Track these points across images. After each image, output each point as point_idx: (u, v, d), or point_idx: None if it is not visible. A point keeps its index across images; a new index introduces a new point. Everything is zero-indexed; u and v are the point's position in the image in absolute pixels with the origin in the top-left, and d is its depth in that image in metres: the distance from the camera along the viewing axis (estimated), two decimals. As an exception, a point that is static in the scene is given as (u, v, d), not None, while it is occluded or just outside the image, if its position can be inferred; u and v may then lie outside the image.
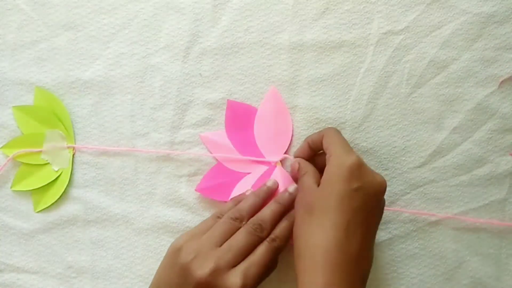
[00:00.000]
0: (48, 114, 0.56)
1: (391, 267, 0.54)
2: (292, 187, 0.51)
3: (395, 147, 0.54)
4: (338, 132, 0.49)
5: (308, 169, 0.49)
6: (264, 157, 0.54)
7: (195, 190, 0.54)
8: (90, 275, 0.55)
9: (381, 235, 0.54)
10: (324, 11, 0.55)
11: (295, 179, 0.52)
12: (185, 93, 0.55)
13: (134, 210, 0.55)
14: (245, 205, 0.49)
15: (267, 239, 0.47)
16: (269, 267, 0.47)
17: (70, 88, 0.56)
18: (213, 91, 0.55)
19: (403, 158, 0.54)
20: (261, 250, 0.46)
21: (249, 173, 0.54)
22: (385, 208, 0.48)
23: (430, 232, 0.54)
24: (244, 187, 0.54)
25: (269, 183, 0.52)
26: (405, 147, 0.54)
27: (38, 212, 0.56)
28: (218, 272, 0.44)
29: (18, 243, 0.56)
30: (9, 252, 0.56)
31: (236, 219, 0.48)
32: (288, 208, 0.50)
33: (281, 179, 0.53)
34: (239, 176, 0.54)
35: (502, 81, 0.54)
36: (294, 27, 0.55)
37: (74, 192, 0.56)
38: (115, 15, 0.56)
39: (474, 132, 0.54)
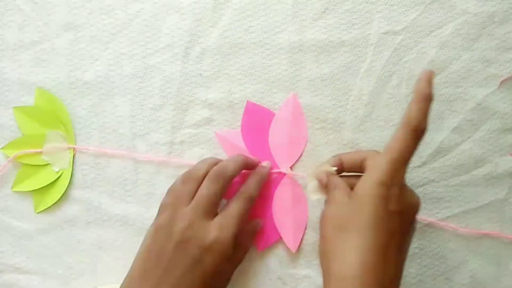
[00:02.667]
0: (49, 115, 0.56)
1: (391, 267, 0.54)
2: (266, 162, 0.52)
3: (395, 147, 0.54)
4: (414, 139, 0.42)
5: (339, 183, 0.46)
6: (275, 162, 0.54)
7: None
8: (90, 276, 0.55)
9: (381, 235, 0.54)
10: (324, 11, 0.55)
11: (296, 193, 0.54)
12: (185, 93, 0.55)
13: (135, 211, 0.55)
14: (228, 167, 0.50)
15: (237, 193, 0.50)
16: (244, 219, 0.49)
17: (70, 89, 0.56)
18: (213, 91, 0.55)
19: (403, 158, 0.54)
20: (233, 203, 0.49)
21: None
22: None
23: (429, 232, 0.54)
24: None
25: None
26: (405, 147, 0.54)
27: (38, 212, 0.56)
28: (196, 223, 0.46)
29: (18, 243, 0.56)
30: (10, 252, 0.56)
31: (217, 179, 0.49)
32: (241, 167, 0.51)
33: (290, 187, 0.53)
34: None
35: (502, 81, 0.54)
36: (294, 27, 0.55)
37: (75, 193, 0.56)
38: (115, 15, 0.56)
39: (474, 132, 0.54)
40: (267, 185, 0.54)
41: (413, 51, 0.54)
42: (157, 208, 0.53)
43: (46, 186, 0.55)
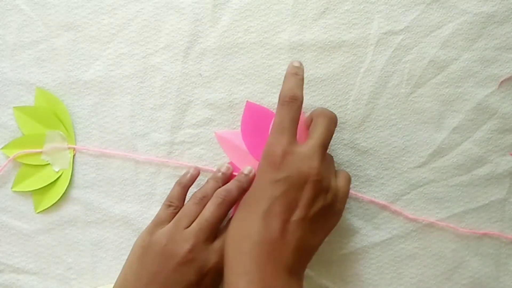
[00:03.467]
0: (49, 115, 0.56)
1: (390, 267, 0.54)
2: (247, 169, 0.51)
3: (395, 147, 0.54)
4: (290, 110, 0.47)
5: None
6: None
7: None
8: (90, 276, 0.55)
9: (381, 235, 0.54)
10: (324, 11, 0.55)
11: None
12: (185, 93, 0.55)
13: (134, 210, 0.55)
14: (208, 187, 0.51)
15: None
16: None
17: (70, 89, 0.56)
18: (213, 91, 0.55)
19: (403, 158, 0.54)
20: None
21: None
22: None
23: (429, 232, 0.54)
24: None
25: (223, 168, 0.52)
26: (405, 147, 0.54)
27: (38, 212, 0.56)
28: (198, 246, 0.47)
29: (18, 243, 0.56)
30: (9, 252, 0.56)
31: (201, 199, 0.50)
32: (246, 188, 0.50)
33: None
34: None
35: (502, 81, 0.54)
36: (294, 27, 0.55)
37: (74, 193, 0.56)
38: (115, 15, 0.56)
39: (474, 132, 0.54)
40: None
41: (413, 51, 0.54)
42: (157, 208, 0.53)
43: (46, 186, 0.55)
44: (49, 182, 0.55)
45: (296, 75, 0.48)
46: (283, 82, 0.48)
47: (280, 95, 0.48)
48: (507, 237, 0.53)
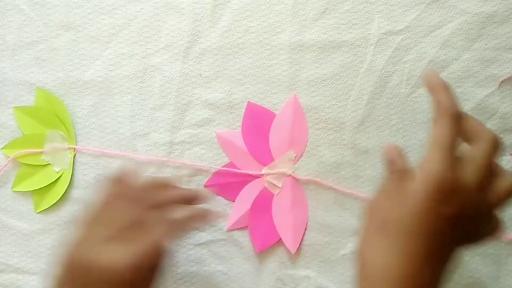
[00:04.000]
0: (49, 115, 0.56)
1: (391, 267, 0.54)
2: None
3: (395, 147, 0.54)
4: (449, 124, 0.36)
5: (403, 167, 0.38)
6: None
7: (204, 185, 0.54)
8: (90, 276, 0.55)
9: (381, 235, 0.54)
10: (324, 11, 0.55)
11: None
12: (185, 93, 0.55)
13: (134, 210, 0.55)
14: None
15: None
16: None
17: (70, 89, 0.56)
18: (213, 91, 0.55)
19: (403, 158, 0.54)
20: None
21: (260, 176, 0.54)
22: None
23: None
24: (253, 188, 0.54)
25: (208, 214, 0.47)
26: (405, 147, 0.54)
27: (38, 213, 0.56)
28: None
29: (18, 243, 0.56)
30: (9, 252, 0.56)
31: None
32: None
33: (290, 189, 0.54)
34: (249, 178, 0.54)
35: (502, 81, 0.54)
36: (294, 27, 0.55)
37: (75, 193, 0.56)
38: (115, 15, 0.56)
39: (474, 132, 0.54)
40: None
41: (413, 51, 0.54)
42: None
43: (46, 186, 0.55)
44: (49, 182, 0.55)
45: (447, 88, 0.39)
46: (438, 92, 0.39)
47: (442, 106, 0.38)
48: (508, 237, 0.53)
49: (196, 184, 0.54)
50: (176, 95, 0.55)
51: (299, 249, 0.54)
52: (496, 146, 0.37)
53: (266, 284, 0.54)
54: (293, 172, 0.54)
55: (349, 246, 0.53)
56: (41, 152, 0.56)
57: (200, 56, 0.55)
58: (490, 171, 0.37)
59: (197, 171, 0.55)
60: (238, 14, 0.55)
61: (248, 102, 0.55)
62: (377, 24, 0.54)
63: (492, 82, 0.54)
